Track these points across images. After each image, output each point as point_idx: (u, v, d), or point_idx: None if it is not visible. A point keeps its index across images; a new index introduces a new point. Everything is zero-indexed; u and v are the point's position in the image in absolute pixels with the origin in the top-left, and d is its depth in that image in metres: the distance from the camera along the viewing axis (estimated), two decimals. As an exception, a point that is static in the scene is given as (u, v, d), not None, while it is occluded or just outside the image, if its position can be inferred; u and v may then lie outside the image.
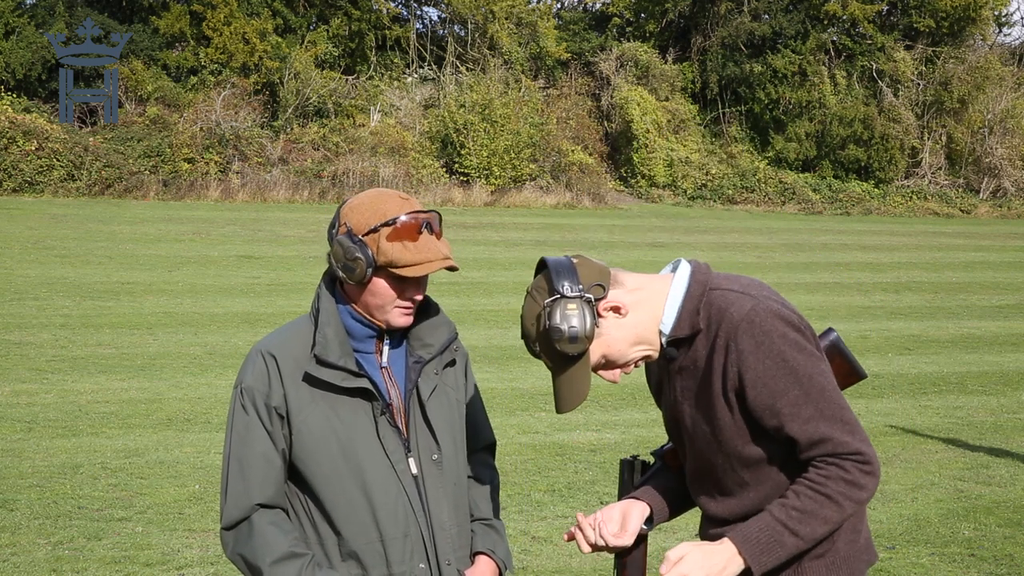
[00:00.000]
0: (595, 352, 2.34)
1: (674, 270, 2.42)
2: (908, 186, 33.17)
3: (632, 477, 2.61)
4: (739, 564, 2.24)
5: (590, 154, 30.71)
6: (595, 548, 2.48)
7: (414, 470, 2.52)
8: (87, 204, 23.30)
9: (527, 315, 2.35)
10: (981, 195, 33.45)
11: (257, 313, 14.64)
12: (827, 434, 2.22)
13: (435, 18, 34.42)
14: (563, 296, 2.28)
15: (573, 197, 28.62)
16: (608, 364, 2.38)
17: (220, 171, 25.87)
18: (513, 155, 28.29)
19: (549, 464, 8.14)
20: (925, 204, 32.14)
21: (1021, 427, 9.81)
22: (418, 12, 33.21)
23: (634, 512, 2.49)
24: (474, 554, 2.64)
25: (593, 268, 2.34)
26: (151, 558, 5.85)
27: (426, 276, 2.50)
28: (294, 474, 2.49)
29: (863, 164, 32.85)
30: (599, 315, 2.32)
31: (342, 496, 2.46)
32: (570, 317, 2.27)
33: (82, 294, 15.36)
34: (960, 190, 33.46)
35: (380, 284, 2.46)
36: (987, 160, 33.69)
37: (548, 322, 2.29)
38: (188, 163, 25.54)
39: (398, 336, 2.58)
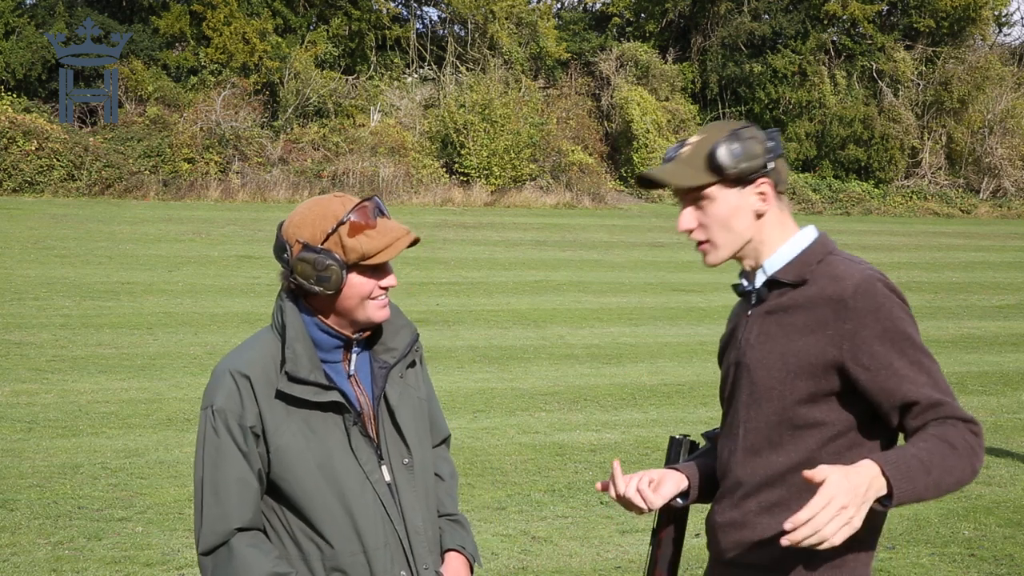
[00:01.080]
0: (717, 192, 2.33)
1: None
2: (908, 186, 33.16)
3: (679, 456, 2.58)
4: (881, 485, 2.07)
5: (590, 154, 30.71)
6: (623, 501, 2.45)
7: (387, 477, 2.51)
8: (87, 204, 23.31)
9: (722, 125, 2.36)
10: (981, 195, 33.44)
11: (257, 313, 14.64)
12: (943, 400, 2.21)
13: (435, 18, 34.46)
14: (763, 137, 2.32)
15: (573, 197, 28.62)
16: (701, 208, 2.36)
17: (220, 171, 25.86)
18: (513, 155, 28.29)
19: (549, 464, 8.14)
20: (925, 204, 32.14)
21: (1021, 427, 9.81)
22: (418, 12, 33.22)
23: (670, 479, 2.47)
24: (444, 551, 2.64)
25: (784, 169, 2.38)
26: (151, 558, 5.85)
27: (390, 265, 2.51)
28: (273, 491, 2.46)
29: (863, 164, 32.84)
30: (754, 181, 2.33)
31: (323, 511, 2.44)
32: (751, 148, 2.30)
33: (82, 294, 15.36)
34: (960, 190, 33.46)
35: (354, 283, 2.44)
36: (987, 160, 33.68)
37: (740, 129, 2.31)
38: (188, 163, 25.53)
39: (363, 342, 2.56)
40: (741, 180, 2.32)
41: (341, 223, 2.40)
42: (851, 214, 30.84)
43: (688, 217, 2.37)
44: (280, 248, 2.46)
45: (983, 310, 17.78)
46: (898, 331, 2.24)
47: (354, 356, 2.54)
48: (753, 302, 2.40)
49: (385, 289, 2.48)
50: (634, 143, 30.88)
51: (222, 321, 14.04)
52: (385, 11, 31.57)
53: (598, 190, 29.28)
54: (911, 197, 32.49)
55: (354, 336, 2.51)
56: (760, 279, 2.38)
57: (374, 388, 2.54)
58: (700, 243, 2.39)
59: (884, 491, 2.09)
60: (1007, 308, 18.14)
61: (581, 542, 6.35)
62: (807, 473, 2.05)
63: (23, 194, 23.70)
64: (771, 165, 2.33)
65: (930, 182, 33.45)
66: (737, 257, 2.40)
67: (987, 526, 6.72)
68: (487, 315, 14.99)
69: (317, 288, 2.41)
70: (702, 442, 2.63)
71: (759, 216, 2.35)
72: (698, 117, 33.37)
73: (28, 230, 19.95)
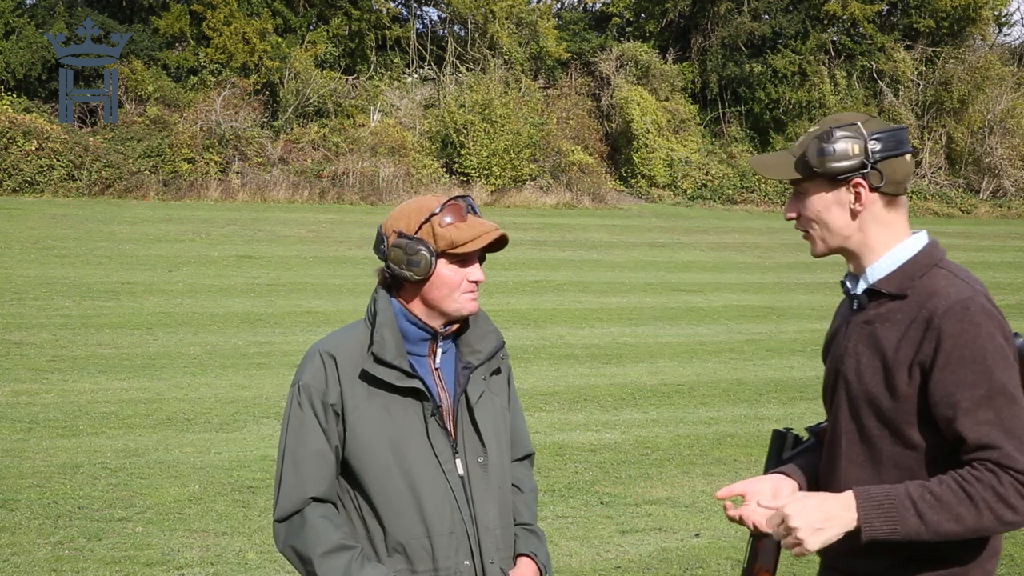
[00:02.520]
0: (810, 187, 2.33)
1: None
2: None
3: (782, 450, 2.55)
4: (851, 520, 2.14)
5: (590, 154, 30.69)
6: (742, 520, 2.42)
7: (460, 471, 2.59)
8: (87, 204, 23.30)
9: (837, 118, 2.36)
10: (981, 195, 33.44)
11: (257, 313, 14.64)
12: (998, 442, 2.12)
13: (435, 18, 34.44)
14: (864, 137, 2.28)
15: (573, 197, 28.61)
16: (801, 199, 2.36)
17: (220, 171, 25.85)
18: (513, 155, 28.28)
19: (549, 464, 8.14)
20: (925, 204, 32.13)
21: (1021, 427, 9.79)
22: (418, 12, 33.21)
23: (784, 489, 2.41)
24: (516, 556, 2.70)
25: (902, 169, 2.31)
26: (151, 558, 5.85)
27: (482, 263, 2.64)
28: (346, 470, 2.57)
29: (863, 164, 32.82)
30: (849, 181, 2.29)
31: (391, 492, 2.53)
32: (843, 147, 2.27)
33: (82, 294, 15.36)
34: (960, 190, 33.46)
35: (443, 272, 2.57)
36: (987, 160, 33.67)
37: (839, 128, 2.28)
38: (188, 163, 25.52)
39: (448, 341, 2.66)
40: (833, 178, 2.30)
41: (434, 214, 2.56)
42: (851, 214, 30.82)
43: (790, 205, 2.40)
44: (379, 241, 2.61)
45: (983, 310, 17.76)
46: (975, 360, 2.16)
47: (440, 352, 2.64)
48: (855, 308, 2.37)
49: (475, 283, 2.62)
50: (634, 143, 30.86)
51: (222, 321, 14.04)
52: (385, 11, 31.55)
53: (598, 190, 29.27)
54: (911, 197, 32.41)
55: (441, 330, 2.62)
56: (861, 286, 2.35)
57: (456, 386, 2.63)
58: (804, 233, 2.41)
59: (854, 525, 2.14)
60: (1007, 308, 18.13)
61: (581, 542, 6.35)
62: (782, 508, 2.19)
63: (23, 194, 23.69)
64: (871, 167, 2.28)
65: (930, 182, 33.45)
66: (839, 253, 2.38)
67: (987, 526, 6.71)
68: (487, 315, 14.94)
69: (407, 273, 2.55)
70: (805, 436, 2.58)
71: (855, 216, 2.31)
72: (698, 117, 33.36)
73: (28, 230, 19.94)
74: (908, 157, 2.33)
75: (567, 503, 7.15)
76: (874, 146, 2.27)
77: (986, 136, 33.72)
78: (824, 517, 2.15)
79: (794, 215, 2.39)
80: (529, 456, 2.88)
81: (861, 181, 2.29)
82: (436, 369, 2.63)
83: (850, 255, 2.36)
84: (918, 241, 2.34)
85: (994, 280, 21.08)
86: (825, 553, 2.33)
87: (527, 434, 2.87)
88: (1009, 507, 2.11)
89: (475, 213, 2.62)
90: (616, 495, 7.34)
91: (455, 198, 2.60)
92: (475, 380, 2.64)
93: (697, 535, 6.44)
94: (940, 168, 33.87)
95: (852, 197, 2.31)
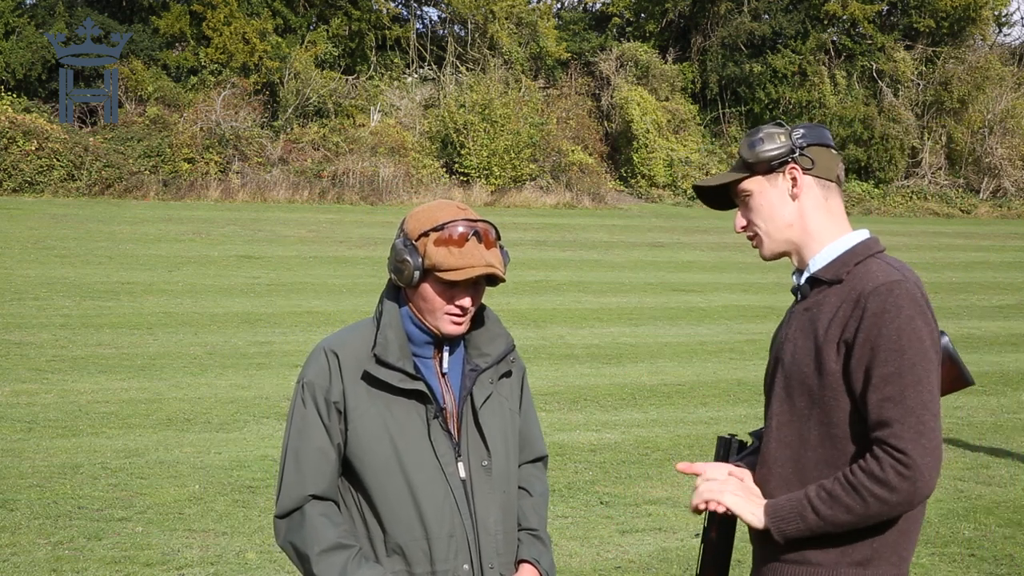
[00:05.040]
0: (751, 185, 2.46)
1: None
2: (908, 186, 33.16)
3: (728, 455, 2.60)
4: (758, 522, 2.34)
5: (590, 154, 30.70)
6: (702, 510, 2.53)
7: (462, 474, 2.57)
8: (87, 204, 23.30)
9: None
10: (981, 195, 33.44)
11: (257, 313, 14.64)
12: (893, 419, 2.21)
13: (435, 18, 34.45)
14: (788, 130, 2.45)
15: (573, 197, 28.61)
16: (746, 204, 2.49)
17: (220, 171, 25.86)
18: (513, 155, 28.28)
19: (549, 464, 8.12)
20: (925, 204, 32.13)
21: (1021, 427, 9.81)
22: (418, 12, 33.22)
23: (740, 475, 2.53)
24: (519, 562, 2.68)
25: (829, 159, 2.47)
26: (151, 558, 5.85)
27: (480, 285, 2.57)
28: (347, 469, 2.57)
29: (863, 164, 32.83)
30: (783, 168, 2.44)
31: (391, 493, 2.52)
32: (770, 139, 2.42)
33: (82, 294, 15.35)
34: (960, 190, 33.46)
35: (429, 289, 2.54)
36: (987, 160, 33.68)
37: (764, 126, 2.46)
38: (188, 163, 25.53)
39: (457, 343, 2.63)
40: (770, 169, 2.44)
41: (434, 229, 2.51)
42: (851, 214, 30.26)
43: (738, 217, 2.51)
44: (396, 233, 2.61)
45: (983, 310, 17.78)
46: (890, 339, 2.24)
47: (446, 355, 2.62)
48: (798, 299, 2.47)
49: (461, 308, 2.55)
50: (634, 143, 30.87)
51: (222, 321, 14.03)
52: (385, 11, 31.56)
53: (598, 190, 29.28)
54: (911, 197, 32.48)
55: (439, 335, 2.59)
56: (804, 277, 2.46)
57: (461, 389, 2.62)
58: (752, 238, 2.51)
59: (759, 526, 2.33)
60: (1007, 308, 18.14)
61: (581, 542, 6.35)
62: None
63: (23, 194, 23.70)
64: (799, 152, 2.42)
65: (930, 182, 33.45)
66: (786, 252, 2.48)
67: (987, 526, 6.72)
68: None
69: (393, 276, 2.56)
70: (749, 441, 2.65)
71: (795, 199, 2.44)
72: (698, 117, 33.36)
73: (28, 230, 19.94)
74: (835, 153, 2.48)
75: (567, 503, 7.15)
76: (797, 134, 2.44)
77: (986, 136, 33.72)
78: (743, 511, 2.36)
79: (743, 223, 2.51)
80: (541, 459, 2.85)
81: (794, 165, 2.43)
82: (443, 372, 2.61)
83: (795, 249, 2.46)
84: (859, 235, 2.45)
85: (994, 280, 21.08)
86: (761, 547, 2.44)
87: (540, 437, 2.84)
88: (889, 489, 2.20)
89: (481, 241, 2.53)
90: (616, 495, 7.34)
91: (468, 220, 2.53)
92: (482, 383, 2.61)
93: (697, 535, 6.43)
94: (940, 168, 33.87)
95: (790, 183, 2.44)
